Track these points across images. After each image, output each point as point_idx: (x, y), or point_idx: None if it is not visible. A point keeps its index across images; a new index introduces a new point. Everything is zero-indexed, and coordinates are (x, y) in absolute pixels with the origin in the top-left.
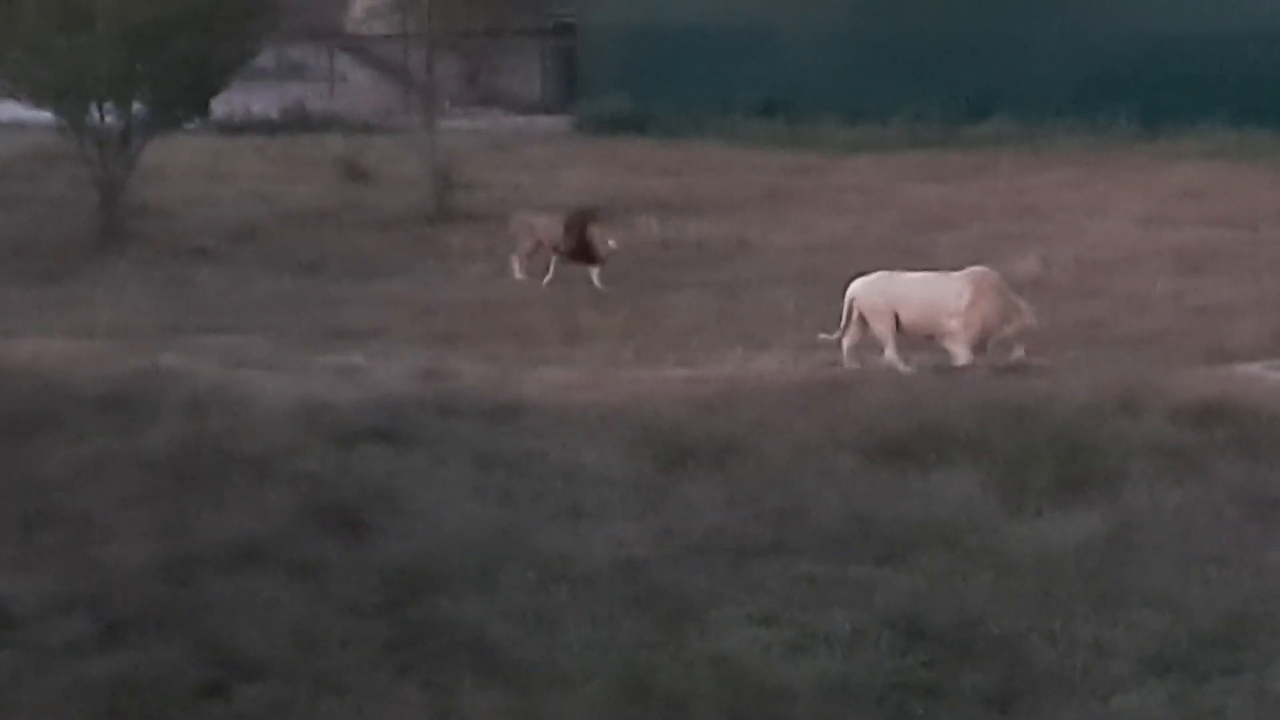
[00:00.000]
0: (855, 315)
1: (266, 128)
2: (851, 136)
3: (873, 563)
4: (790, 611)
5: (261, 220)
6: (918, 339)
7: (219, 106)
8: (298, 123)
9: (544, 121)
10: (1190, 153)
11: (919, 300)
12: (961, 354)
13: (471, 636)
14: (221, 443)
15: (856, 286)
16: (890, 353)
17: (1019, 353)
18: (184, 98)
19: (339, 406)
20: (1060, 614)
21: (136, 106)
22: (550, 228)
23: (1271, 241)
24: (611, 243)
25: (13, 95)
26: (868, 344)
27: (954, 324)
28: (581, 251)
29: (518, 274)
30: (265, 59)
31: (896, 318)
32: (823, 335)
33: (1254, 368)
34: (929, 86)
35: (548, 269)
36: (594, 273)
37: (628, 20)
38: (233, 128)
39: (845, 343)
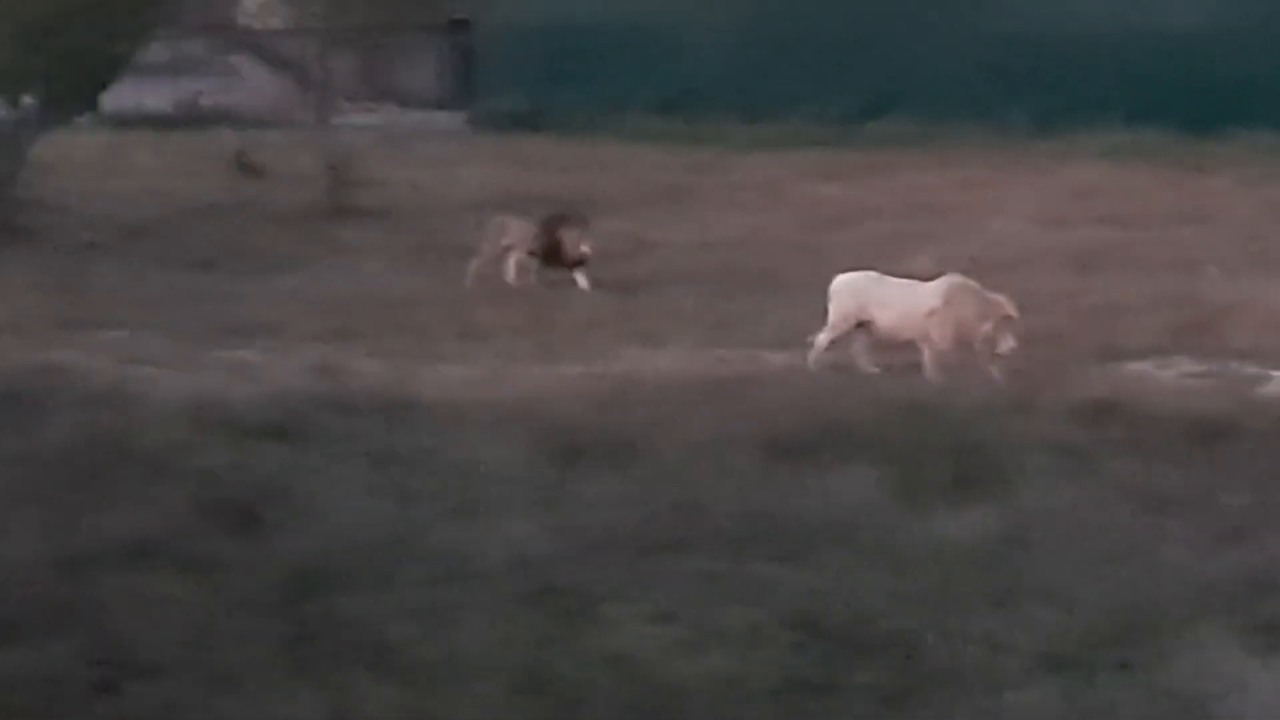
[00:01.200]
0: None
1: (159, 123)
2: (750, 134)
3: (770, 560)
4: (687, 609)
5: (155, 216)
6: (893, 345)
7: (110, 101)
8: (191, 118)
9: (440, 118)
10: (1084, 153)
11: (897, 306)
12: (935, 368)
13: (367, 634)
14: (114, 439)
15: (837, 281)
16: (822, 340)
17: (1010, 343)
18: (75, 92)
19: (233, 403)
20: (954, 610)
21: (26, 100)
22: (524, 231)
23: (1164, 241)
24: (585, 247)
25: None
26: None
27: (936, 334)
28: (554, 254)
29: (510, 278)
30: (157, 53)
31: (864, 321)
32: (810, 339)
33: (1146, 366)
34: (827, 85)
35: (518, 272)
36: (579, 276)
37: (524, 17)
38: (125, 123)
39: (852, 346)
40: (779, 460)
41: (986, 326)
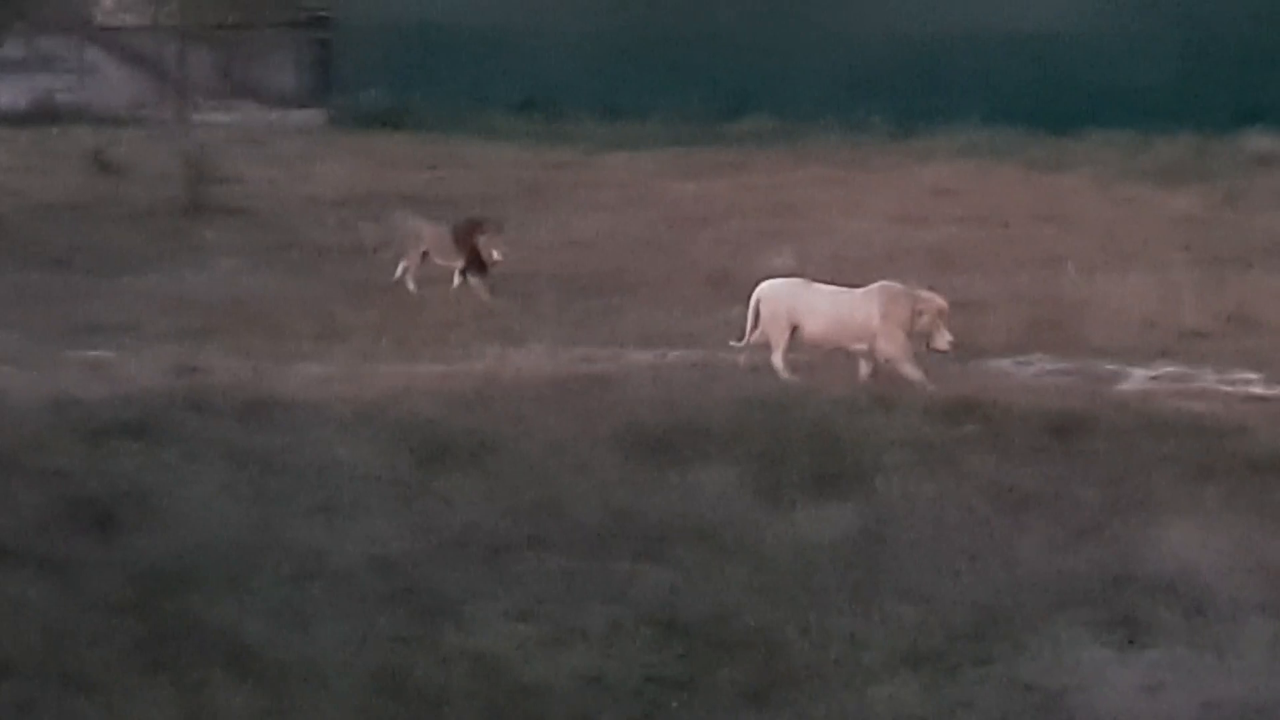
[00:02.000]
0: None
1: (14, 120)
2: (609, 133)
3: (630, 558)
4: (547, 607)
5: (8, 213)
6: (824, 351)
7: None
8: (46, 115)
9: (299, 116)
10: (942, 151)
11: (826, 314)
12: (911, 372)
13: (224, 634)
14: None
15: (764, 288)
16: (777, 359)
17: (947, 335)
18: None
19: (89, 402)
20: (815, 607)
21: None
22: (438, 236)
23: (1021, 239)
24: (496, 254)
25: None
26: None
27: (886, 346)
28: (470, 262)
29: (411, 286)
30: (13, 50)
31: (795, 327)
32: (733, 343)
33: (1004, 363)
34: (687, 84)
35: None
36: (478, 282)
37: (383, 14)
38: None
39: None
40: (639, 458)
41: (923, 323)
